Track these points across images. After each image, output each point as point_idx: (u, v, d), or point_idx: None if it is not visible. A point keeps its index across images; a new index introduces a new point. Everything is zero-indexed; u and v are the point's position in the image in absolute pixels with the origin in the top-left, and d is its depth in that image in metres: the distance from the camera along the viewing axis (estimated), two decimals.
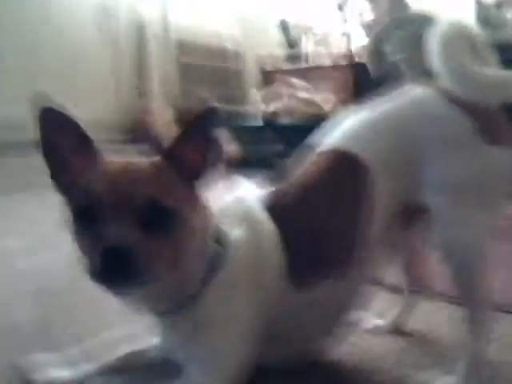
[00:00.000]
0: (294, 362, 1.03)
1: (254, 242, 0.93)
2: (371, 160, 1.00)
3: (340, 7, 5.48)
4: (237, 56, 5.35)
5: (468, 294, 0.98)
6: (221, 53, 5.11)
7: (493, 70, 1.03)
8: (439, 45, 1.01)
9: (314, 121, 4.02)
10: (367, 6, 5.19)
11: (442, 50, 1.01)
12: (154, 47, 4.58)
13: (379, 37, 4.32)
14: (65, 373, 1.00)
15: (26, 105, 0.82)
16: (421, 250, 1.21)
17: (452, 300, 1.39)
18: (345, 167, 1.02)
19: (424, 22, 4.07)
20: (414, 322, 1.27)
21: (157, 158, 0.85)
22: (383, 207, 1.00)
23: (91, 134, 0.85)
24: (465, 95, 1.00)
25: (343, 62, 5.08)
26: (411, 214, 1.04)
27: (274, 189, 1.02)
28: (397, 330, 1.25)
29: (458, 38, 1.02)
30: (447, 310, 1.37)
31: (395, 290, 1.29)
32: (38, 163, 0.85)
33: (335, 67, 5.02)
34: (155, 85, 4.59)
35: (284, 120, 4.05)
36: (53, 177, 0.86)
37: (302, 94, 4.20)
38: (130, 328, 1.28)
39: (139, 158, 0.86)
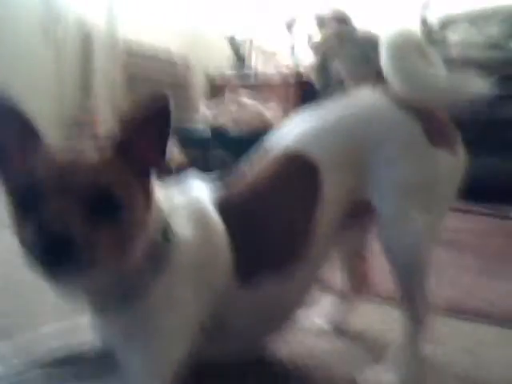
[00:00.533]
0: (239, 358, 1.03)
1: (201, 240, 0.92)
2: (320, 160, 1.02)
3: (288, 27, 5.62)
4: (185, 68, 5.33)
5: (408, 293, 1.02)
6: (169, 65, 5.07)
7: (443, 72, 1.08)
8: (391, 48, 1.06)
9: (262, 134, 4.08)
10: (315, 28, 5.36)
11: (394, 53, 1.06)
12: (101, 56, 4.50)
13: (326, 55, 4.44)
14: None
15: None
16: (363, 249, 1.24)
17: (387, 301, 1.46)
18: (294, 167, 1.03)
19: (369, 42, 4.25)
20: (354, 322, 1.30)
21: (105, 145, 0.83)
22: (332, 206, 1.02)
23: None
24: (415, 95, 1.05)
25: (291, 80, 5.17)
26: (357, 212, 1.06)
27: (223, 188, 1.02)
28: (338, 330, 1.27)
29: (408, 41, 1.07)
30: (382, 310, 1.42)
31: (334, 291, 1.32)
32: None
33: (283, 84, 5.11)
34: (101, 95, 4.51)
35: (232, 132, 4.06)
36: None
37: (251, 108, 4.22)
38: (65, 323, 1.25)
39: (86, 145, 0.84)
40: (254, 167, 1.06)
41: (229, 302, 0.94)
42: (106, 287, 0.84)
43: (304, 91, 4.84)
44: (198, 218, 0.94)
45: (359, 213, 1.07)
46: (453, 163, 1.04)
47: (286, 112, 4.63)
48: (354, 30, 4.82)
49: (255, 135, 3.86)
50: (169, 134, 0.83)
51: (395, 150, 1.01)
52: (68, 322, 1.21)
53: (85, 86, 4.43)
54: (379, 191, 1.01)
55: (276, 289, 0.98)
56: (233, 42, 5.64)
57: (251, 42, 5.71)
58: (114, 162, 0.81)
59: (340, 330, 1.27)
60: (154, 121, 0.82)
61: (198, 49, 5.37)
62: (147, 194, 0.85)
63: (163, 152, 0.84)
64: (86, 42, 4.45)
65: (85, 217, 0.75)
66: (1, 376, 0.96)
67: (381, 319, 1.37)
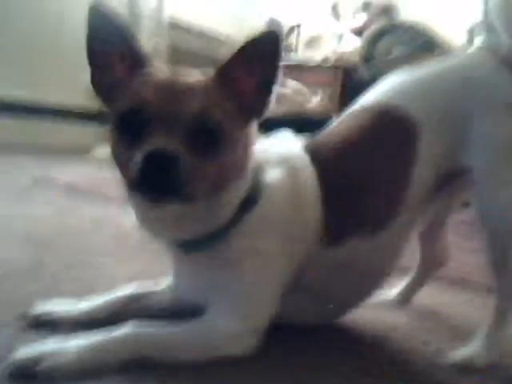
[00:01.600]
0: (313, 322, 0.99)
1: (291, 186, 0.89)
2: (419, 116, 0.96)
3: (333, 9, 5.54)
4: (230, 48, 5.28)
5: (499, 260, 0.96)
6: (214, 41, 5.03)
7: None
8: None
9: (300, 114, 4.04)
10: (359, 10, 5.28)
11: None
12: (146, 25, 4.48)
13: (371, 40, 4.38)
14: (63, 307, 0.92)
15: None
16: (444, 222, 1.18)
17: (457, 282, 1.41)
18: (391, 121, 0.98)
19: (411, 29, 4.17)
20: (421, 299, 1.25)
21: (210, 75, 0.81)
22: (428, 167, 0.96)
23: None
24: None
25: (333, 63, 5.08)
26: (450, 178, 1.01)
27: (316, 142, 0.98)
28: (404, 304, 1.22)
29: None
30: (451, 292, 1.38)
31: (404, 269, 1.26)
32: None
33: (324, 67, 5.01)
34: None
35: (274, 114, 4.01)
36: (94, 79, 0.82)
37: (291, 82, 4.18)
38: (136, 266, 1.25)
39: (194, 74, 0.81)
40: (344, 124, 1.01)
41: (314, 259, 0.90)
42: (198, 219, 0.81)
43: (345, 74, 4.75)
44: (290, 168, 0.90)
45: (452, 179, 1.01)
46: None
47: (331, 97, 4.58)
48: (396, 13, 4.79)
49: (297, 117, 3.85)
50: (276, 75, 0.80)
51: (499, 112, 0.96)
52: (143, 265, 1.19)
53: None
54: (478, 154, 0.96)
55: (363, 251, 0.94)
56: (274, 22, 5.54)
57: (297, 26, 5.62)
58: (220, 92, 0.79)
59: (406, 306, 1.22)
60: (261, 55, 0.79)
61: (244, 30, 5.33)
62: (248, 135, 0.82)
63: (269, 94, 0.81)
64: (132, 9, 4.43)
65: (187, 142, 0.73)
66: (67, 315, 0.91)
67: (452, 300, 1.32)
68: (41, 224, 1.58)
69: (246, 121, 0.82)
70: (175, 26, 4.67)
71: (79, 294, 0.98)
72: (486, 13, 1.07)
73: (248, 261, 0.85)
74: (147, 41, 4.56)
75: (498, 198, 0.94)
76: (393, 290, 1.23)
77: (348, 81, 4.73)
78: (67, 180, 2.40)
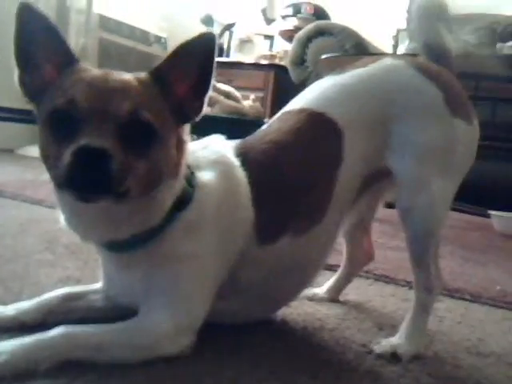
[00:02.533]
0: (248, 319, 1.02)
1: (223, 186, 0.91)
2: (342, 120, 1.01)
3: (263, 12, 5.61)
4: (159, 42, 5.23)
5: (419, 258, 1.02)
6: (143, 36, 4.97)
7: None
8: (421, 9, 1.10)
9: (233, 114, 4.07)
10: (289, 13, 5.38)
11: (422, 13, 1.10)
12: (75, 19, 4.37)
13: (301, 44, 4.46)
14: (4, 311, 0.90)
15: None
16: (368, 221, 1.24)
17: (381, 278, 1.49)
18: (316, 125, 1.02)
19: (343, 32, 4.29)
20: (348, 294, 1.31)
21: (143, 74, 0.82)
22: (352, 169, 1.01)
23: None
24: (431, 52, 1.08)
25: (265, 62, 5.15)
26: (373, 179, 1.06)
27: (245, 145, 1.00)
28: (332, 300, 1.27)
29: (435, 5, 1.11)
30: (376, 286, 1.45)
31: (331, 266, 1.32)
32: None
33: (256, 66, 5.07)
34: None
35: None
36: (21, 79, 0.81)
37: (222, 86, 4.18)
38: (65, 271, 1.23)
39: (125, 73, 0.81)
40: (274, 127, 1.04)
41: (246, 257, 0.93)
42: (129, 219, 0.81)
43: (277, 75, 4.83)
44: (222, 170, 0.92)
45: (376, 180, 1.07)
46: (469, 133, 1.05)
47: (262, 101, 4.63)
48: (327, 16, 4.91)
49: (226, 115, 3.87)
50: (210, 78, 0.82)
51: (418, 116, 1.02)
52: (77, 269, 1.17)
53: None
54: (400, 156, 1.01)
55: (295, 248, 0.97)
56: (208, 19, 5.54)
57: (228, 27, 5.64)
58: (153, 93, 0.80)
59: (334, 301, 1.27)
60: (196, 57, 0.81)
61: (175, 31, 5.28)
62: (181, 137, 0.84)
63: (202, 97, 0.83)
64: (62, 13, 4.31)
65: (121, 142, 0.74)
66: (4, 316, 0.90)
67: (378, 294, 1.39)
68: None
69: (179, 122, 0.83)
70: (105, 24, 4.58)
71: (4, 302, 0.95)
72: (408, 21, 1.14)
73: (181, 260, 0.86)
74: (76, 38, 4.44)
75: (417, 199, 0.99)
76: (322, 287, 1.28)
77: (279, 84, 4.81)
78: None
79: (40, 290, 1.02)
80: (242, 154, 0.96)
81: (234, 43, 5.68)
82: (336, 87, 1.06)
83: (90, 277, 1.04)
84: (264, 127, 1.06)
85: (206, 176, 0.90)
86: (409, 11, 1.15)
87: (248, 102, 4.46)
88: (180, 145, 0.84)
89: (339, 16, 5.00)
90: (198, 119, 0.85)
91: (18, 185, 2.32)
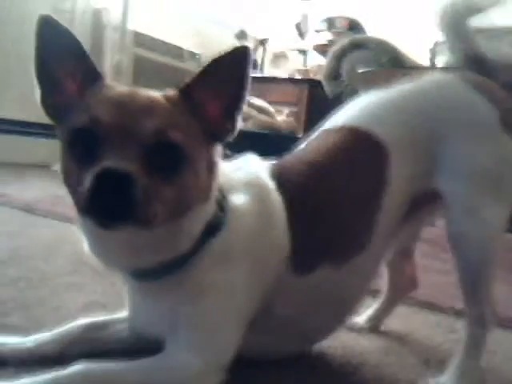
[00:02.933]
0: (282, 355, 0.94)
1: (257, 211, 0.84)
2: (389, 140, 0.93)
3: (297, 27, 5.57)
4: (193, 58, 5.24)
5: (474, 292, 0.93)
6: (177, 52, 4.99)
7: None
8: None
9: (267, 129, 4.02)
10: (323, 27, 5.33)
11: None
12: (110, 35, 4.40)
13: (336, 58, 4.39)
14: (13, 339, 0.85)
15: None
16: (412, 247, 1.16)
17: (426, 306, 1.39)
18: (360, 145, 0.95)
19: (377, 46, 4.21)
20: (391, 323, 1.22)
21: (172, 92, 0.76)
22: (398, 192, 0.93)
23: None
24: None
25: (298, 77, 5.10)
26: (421, 202, 0.98)
27: (283, 166, 0.93)
28: (374, 330, 1.18)
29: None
30: (421, 315, 1.35)
31: (376, 290, 1.23)
32: None
33: (290, 80, 5.02)
34: (107, 75, 4.40)
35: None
36: (44, 98, 0.76)
37: (256, 101, 4.15)
38: (91, 296, 1.18)
39: (153, 91, 0.75)
40: (312, 146, 0.97)
41: (280, 288, 0.85)
42: (155, 246, 0.75)
43: (311, 89, 4.76)
44: (256, 193, 0.85)
45: (422, 203, 0.98)
46: None
47: (292, 110, 4.57)
48: (363, 29, 4.85)
49: (260, 130, 3.82)
50: (243, 96, 0.76)
51: (471, 135, 0.94)
52: (98, 294, 1.11)
53: None
54: (450, 178, 0.93)
55: (332, 279, 0.89)
56: (242, 34, 5.53)
57: (262, 42, 5.62)
58: (182, 112, 0.74)
59: (375, 331, 1.19)
60: (229, 74, 0.74)
61: (209, 47, 5.29)
62: (212, 159, 0.77)
63: (235, 116, 0.77)
64: (96, 19, 4.35)
65: (144, 163, 0.67)
66: (19, 348, 0.85)
67: (422, 323, 1.29)
68: None
69: (210, 143, 0.77)
70: (139, 40, 4.60)
71: (26, 328, 0.90)
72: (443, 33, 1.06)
73: (210, 292, 0.79)
74: (111, 55, 4.48)
75: (469, 225, 0.91)
76: (362, 315, 1.19)
77: (313, 99, 4.74)
78: (24, 198, 2.29)
79: (64, 316, 0.98)
80: (277, 176, 0.89)
81: (268, 58, 5.64)
82: (381, 103, 0.98)
83: (115, 302, 0.98)
84: (301, 146, 0.99)
85: (238, 200, 0.83)
86: (437, 24, 1.07)
87: (282, 117, 4.42)
88: (211, 167, 0.77)
89: (374, 29, 4.92)
90: (230, 139, 0.79)
91: (50, 201, 2.30)
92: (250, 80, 0.75)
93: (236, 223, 0.81)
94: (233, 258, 0.81)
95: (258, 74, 5.25)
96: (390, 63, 4.04)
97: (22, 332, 0.89)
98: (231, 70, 0.74)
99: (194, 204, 0.75)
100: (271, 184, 0.87)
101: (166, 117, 0.71)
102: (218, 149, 0.80)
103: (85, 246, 0.79)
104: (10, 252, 1.45)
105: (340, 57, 4.31)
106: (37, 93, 0.76)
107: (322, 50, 5.21)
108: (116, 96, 0.72)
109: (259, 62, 5.61)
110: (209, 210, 0.79)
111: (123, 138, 0.68)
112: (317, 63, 5.36)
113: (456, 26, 1.03)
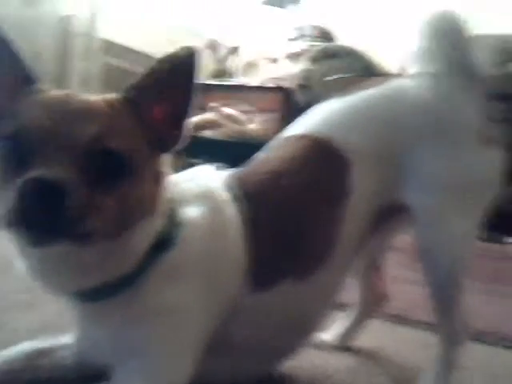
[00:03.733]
0: (243, 378, 0.87)
1: (211, 225, 0.77)
2: (350, 148, 0.88)
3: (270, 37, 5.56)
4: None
5: (445, 307, 0.89)
6: (148, 60, 4.90)
7: None
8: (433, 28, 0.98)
9: (238, 138, 3.97)
10: (295, 35, 5.33)
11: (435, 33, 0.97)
12: (78, 43, 4.30)
13: (308, 65, 4.39)
14: None
15: None
16: (380, 260, 1.11)
17: (397, 320, 1.34)
18: (320, 154, 0.89)
19: (349, 55, 4.22)
20: (361, 339, 1.16)
21: (113, 96, 0.69)
22: (361, 204, 0.88)
23: None
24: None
25: (271, 85, 5.06)
26: (385, 215, 0.93)
27: (238, 177, 0.87)
28: (343, 347, 1.12)
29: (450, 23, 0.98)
30: (393, 330, 1.31)
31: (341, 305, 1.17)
32: None
33: (262, 88, 4.97)
34: (74, 85, 4.30)
35: (206, 133, 3.89)
36: None
37: (226, 110, 4.10)
38: (35, 318, 1.09)
39: (91, 95, 0.69)
40: (272, 155, 0.91)
41: (239, 308, 0.79)
42: (95, 265, 0.67)
43: (284, 97, 4.73)
44: (210, 206, 0.79)
45: (388, 215, 0.93)
46: (494, 160, 0.92)
47: (270, 123, 4.53)
48: (334, 38, 4.86)
49: (231, 139, 3.77)
50: (190, 101, 0.69)
51: (435, 143, 0.89)
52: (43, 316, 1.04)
53: (60, 82, 4.22)
54: (417, 190, 0.88)
55: (294, 294, 0.83)
56: (212, 43, 5.48)
57: (234, 50, 5.57)
58: (123, 117, 0.67)
59: (345, 348, 1.13)
60: (174, 76, 0.68)
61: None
62: (158, 168, 0.71)
63: (181, 123, 0.70)
64: (64, 38, 4.25)
65: (82, 176, 0.60)
66: None
67: (393, 339, 1.23)
68: None
69: (155, 151, 0.70)
70: (109, 48, 4.51)
71: None
72: (422, 42, 1.01)
73: (160, 313, 0.72)
74: (79, 63, 4.38)
75: (437, 239, 0.87)
76: (329, 331, 1.13)
77: (286, 107, 4.71)
78: None
79: (13, 338, 0.89)
80: (234, 187, 0.83)
81: (240, 66, 5.60)
82: (342, 110, 0.93)
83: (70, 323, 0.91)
84: (261, 155, 0.93)
85: (190, 213, 0.77)
86: (423, 31, 1.02)
87: (253, 125, 4.37)
88: (157, 177, 0.71)
89: (346, 38, 4.92)
90: (177, 148, 0.72)
91: None
92: (196, 85, 0.69)
93: (187, 238, 0.75)
94: (184, 275, 0.74)
95: (230, 83, 5.21)
96: (363, 72, 4.05)
97: None
98: (177, 73, 0.68)
99: (138, 217, 0.68)
100: (226, 195, 0.81)
101: (105, 122, 0.64)
102: (166, 158, 0.73)
103: (20, 265, 0.71)
104: None
105: (310, 65, 4.33)
106: None
107: (293, 58, 5.19)
108: (48, 100, 0.65)
109: (231, 70, 5.57)
110: (156, 223, 0.72)
111: (56, 146, 0.60)
112: (289, 71, 5.33)
113: (450, 33, 0.98)
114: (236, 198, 0.81)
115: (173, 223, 0.74)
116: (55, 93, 0.67)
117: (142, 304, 0.72)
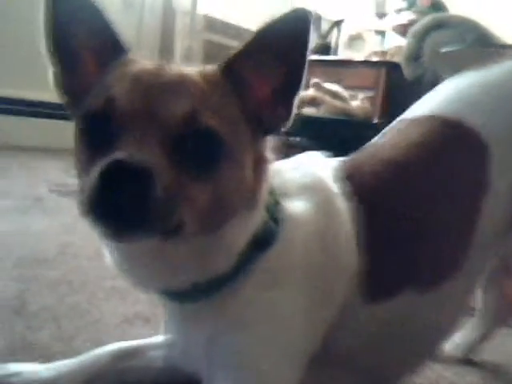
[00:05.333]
0: None
1: (319, 223, 0.66)
2: (486, 130, 0.74)
3: (378, 6, 5.29)
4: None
5: None
6: (249, 35, 4.86)
7: None
8: None
9: (340, 115, 3.80)
10: (403, 6, 5.02)
11: None
12: (180, 20, 4.32)
13: (417, 38, 4.10)
14: (29, 367, 0.74)
15: None
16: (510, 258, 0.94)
17: None
18: (450, 138, 0.75)
19: (462, 25, 3.87)
20: (488, 353, 1.01)
21: (210, 68, 0.60)
22: (501, 196, 0.73)
23: None
24: None
25: (376, 59, 4.82)
26: None
27: (352, 166, 0.74)
28: (465, 361, 0.98)
29: None
30: None
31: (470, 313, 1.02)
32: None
33: (366, 63, 4.74)
34: (177, 60, 4.33)
35: (306, 111, 3.75)
36: (57, 79, 0.62)
37: (328, 86, 3.94)
38: (134, 307, 1.05)
39: (187, 68, 0.60)
40: (392, 141, 0.78)
41: (347, 318, 0.67)
42: (187, 265, 0.59)
43: (389, 72, 4.48)
44: (318, 199, 0.67)
45: None
46: None
47: (373, 100, 4.32)
48: (445, 8, 4.51)
49: (333, 116, 3.62)
50: (302, 73, 0.58)
51: None
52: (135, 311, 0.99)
53: (163, 51, 4.26)
54: None
55: (419, 307, 0.71)
56: (317, 24, 5.31)
57: (338, 22, 5.37)
58: (222, 91, 0.58)
59: (470, 361, 0.99)
60: (284, 44, 0.57)
61: None
62: (259, 153, 0.60)
63: (289, 100, 0.60)
64: (168, 15, 4.28)
65: (173, 159, 0.51)
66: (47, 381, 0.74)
67: None
68: (37, 245, 1.36)
69: (257, 133, 0.60)
70: (210, 25, 4.50)
71: (51, 348, 0.79)
72: None
73: (257, 323, 0.62)
74: (182, 40, 4.41)
75: None
76: (452, 343, 0.99)
77: (391, 83, 4.46)
78: None
79: (99, 332, 0.85)
80: (345, 178, 0.70)
81: (343, 40, 5.39)
82: (477, 87, 0.79)
83: (161, 316, 0.84)
84: (376, 140, 0.80)
85: (295, 207, 0.66)
86: None
87: (356, 102, 4.18)
88: (259, 164, 0.60)
89: (457, 8, 4.55)
90: (283, 130, 0.61)
91: None
92: (309, 53, 0.57)
93: (291, 236, 0.64)
94: (286, 279, 0.64)
95: (332, 57, 5.03)
96: (477, 43, 3.71)
97: (49, 352, 0.78)
98: (288, 38, 0.57)
99: (235, 210, 0.58)
100: (337, 188, 0.69)
101: (200, 97, 0.55)
102: (269, 142, 0.62)
103: (106, 259, 0.64)
104: (57, 249, 1.35)
105: (421, 37, 4.04)
106: (49, 72, 0.62)
107: (401, 30, 4.90)
108: (138, 72, 0.56)
109: (333, 44, 5.37)
110: (256, 218, 0.62)
111: (144, 124, 0.52)
112: (395, 44, 5.06)
113: None
114: (348, 192, 0.69)
115: (273, 219, 0.64)
116: (147, 64, 0.59)
117: (239, 310, 0.63)
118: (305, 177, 0.70)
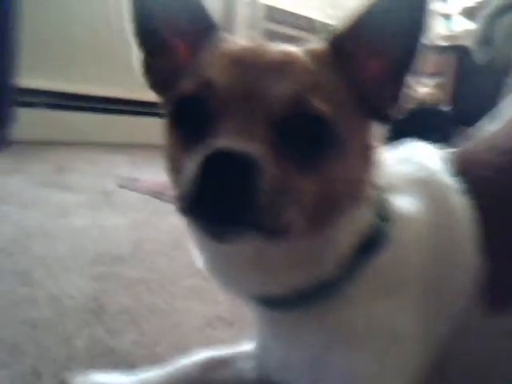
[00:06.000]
0: None
1: (433, 222, 0.59)
2: None
3: None
4: (326, 31, 4.99)
5: None
6: (310, 25, 4.77)
7: None
8: None
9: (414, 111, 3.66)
10: None
11: None
12: (241, 11, 4.30)
13: (489, 20, 3.89)
14: (114, 379, 0.70)
15: None
16: None
17: None
18: None
19: None
20: None
21: (316, 46, 0.53)
22: None
23: None
24: None
25: (443, 43, 4.61)
26: None
27: (462, 152, 0.66)
28: None
29: None
30: None
31: None
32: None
33: (434, 48, 4.54)
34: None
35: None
36: (146, 65, 0.57)
37: None
38: (215, 309, 0.99)
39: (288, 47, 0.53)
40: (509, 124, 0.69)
41: (465, 329, 0.60)
42: (289, 269, 0.53)
43: (459, 57, 4.28)
44: (432, 195, 0.60)
45: None
46: None
47: (442, 86, 4.14)
48: None
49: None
50: (415, 51, 0.51)
51: None
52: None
53: None
54: None
55: None
56: None
57: None
58: (329, 72, 0.51)
59: None
60: (399, 18, 0.51)
61: (340, 19, 5.03)
62: (367, 142, 0.54)
63: (399, 81, 0.53)
64: (229, 6, 4.27)
65: (277, 149, 0.45)
66: None
67: None
68: (111, 242, 1.34)
69: (365, 119, 0.53)
70: (271, 14, 4.45)
71: (131, 354, 0.75)
72: None
73: (370, 336, 0.56)
74: (243, 30, 4.38)
75: None
76: None
77: (461, 68, 4.26)
78: (154, 182, 2.18)
79: (181, 336, 0.81)
80: (461, 172, 0.62)
81: None
82: None
83: (245, 319, 0.78)
84: (494, 128, 0.71)
85: (406, 204, 0.59)
86: None
87: (425, 89, 4.01)
88: (367, 154, 0.53)
89: None
90: (395, 116, 0.54)
91: None
92: (425, 28, 0.50)
93: (404, 237, 0.57)
94: (400, 285, 0.57)
95: None
96: None
97: (131, 358, 0.74)
98: (401, 13, 0.50)
99: (344, 206, 0.52)
100: (453, 183, 0.61)
101: (308, 78, 0.49)
102: (375, 129, 0.55)
103: (196, 259, 0.59)
104: (132, 246, 1.32)
105: (493, 19, 3.82)
106: (135, 58, 0.58)
107: (469, 13, 4.68)
108: (237, 52, 0.51)
109: None
110: (364, 216, 0.55)
111: (246, 108, 0.47)
112: (464, 28, 4.84)
113: None
114: (466, 187, 0.61)
115: (383, 217, 0.57)
116: (245, 44, 0.53)
117: (346, 321, 0.56)
118: (415, 170, 0.62)
